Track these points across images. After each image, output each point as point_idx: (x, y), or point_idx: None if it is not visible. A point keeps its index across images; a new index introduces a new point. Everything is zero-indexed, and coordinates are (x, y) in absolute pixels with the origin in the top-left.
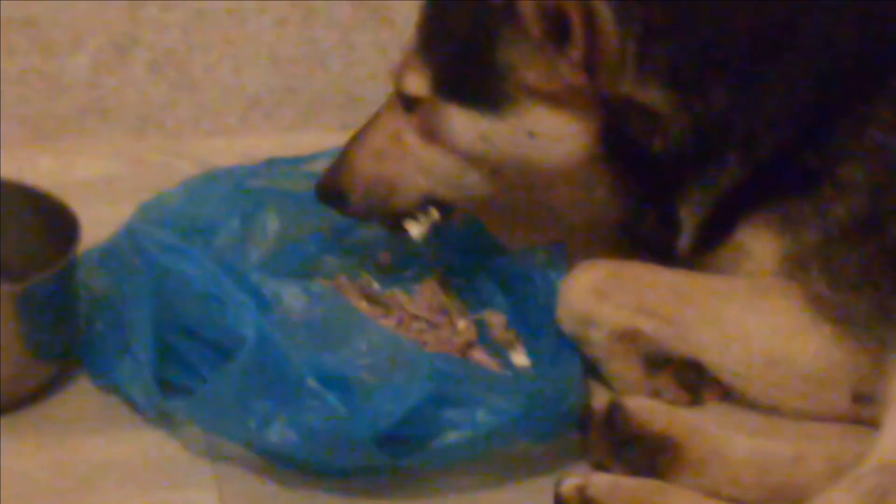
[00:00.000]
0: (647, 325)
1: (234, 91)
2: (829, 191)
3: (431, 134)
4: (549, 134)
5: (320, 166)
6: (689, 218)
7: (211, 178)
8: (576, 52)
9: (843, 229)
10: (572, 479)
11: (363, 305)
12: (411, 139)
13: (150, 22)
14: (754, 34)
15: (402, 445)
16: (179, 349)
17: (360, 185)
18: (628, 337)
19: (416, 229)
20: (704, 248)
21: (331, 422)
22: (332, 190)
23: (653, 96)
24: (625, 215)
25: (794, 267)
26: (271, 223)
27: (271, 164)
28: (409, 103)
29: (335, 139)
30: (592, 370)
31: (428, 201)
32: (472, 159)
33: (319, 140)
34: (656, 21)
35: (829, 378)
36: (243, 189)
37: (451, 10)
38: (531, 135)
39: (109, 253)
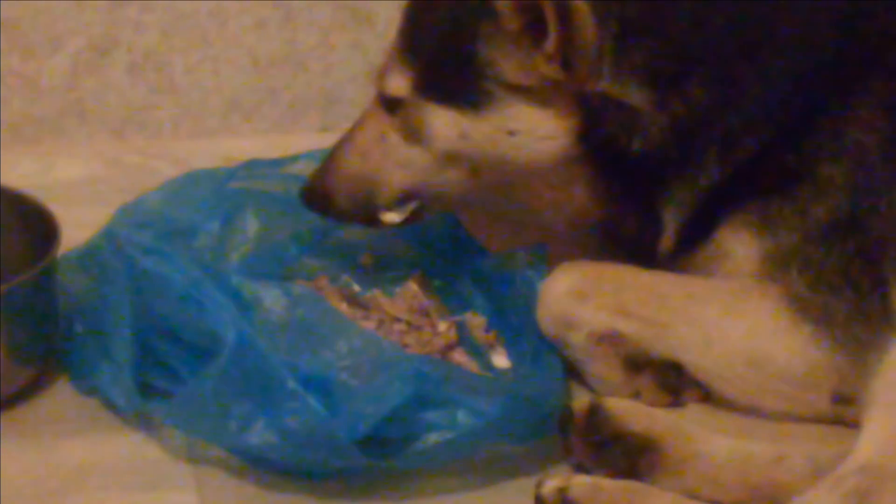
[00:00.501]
0: (626, 327)
1: (214, 93)
2: (808, 191)
3: (413, 133)
4: (528, 131)
5: (301, 168)
6: (671, 219)
7: (191, 180)
8: (549, 44)
9: (823, 229)
10: (553, 480)
11: (343, 307)
12: (394, 139)
13: (130, 23)
14: (732, 33)
15: (383, 447)
16: (159, 351)
17: (344, 184)
18: (608, 338)
19: (391, 217)
20: (685, 250)
21: (311, 423)
22: (316, 193)
23: (631, 94)
24: (606, 216)
25: (774, 267)
26: (251, 225)
27: (251, 165)
28: (391, 104)
29: (315, 141)
30: (573, 371)
31: (408, 198)
32: (453, 157)
33: (300, 142)
34: (633, 19)
35: (809, 378)
36: (224, 191)
37: (431, 10)
38: (510, 132)
39: (89, 255)
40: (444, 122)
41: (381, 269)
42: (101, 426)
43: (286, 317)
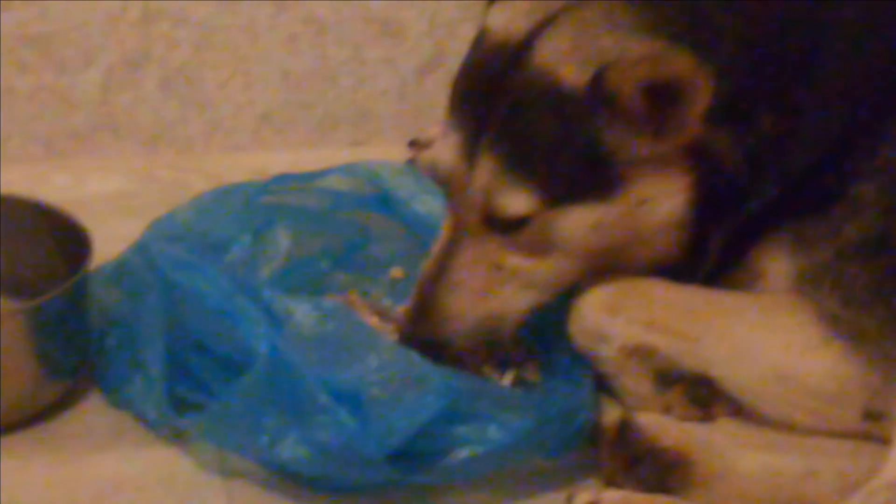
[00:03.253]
0: (658, 341)
1: (245, 107)
2: (841, 209)
3: (541, 246)
4: (657, 196)
5: (332, 182)
6: (715, 242)
7: (223, 195)
8: (697, 109)
9: (855, 247)
10: (583, 494)
11: (374, 321)
12: (511, 257)
13: (162, 39)
14: (786, 64)
15: (414, 462)
16: (191, 365)
17: (462, 328)
18: (639, 353)
19: (506, 379)
20: (721, 270)
21: (342, 438)
22: (427, 340)
23: (715, 136)
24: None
25: (807, 285)
26: (283, 239)
27: (283, 180)
28: (508, 225)
29: (347, 155)
30: (604, 386)
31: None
32: (585, 252)
33: (331, 156)
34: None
35: (840, 394)
36: (255, 205)
37: (528, 115)
38: (641, 203)
39: (122, 269)
40: (578, 221)
41: (412, 284)
42: (133, 439)
43: (317, 331)
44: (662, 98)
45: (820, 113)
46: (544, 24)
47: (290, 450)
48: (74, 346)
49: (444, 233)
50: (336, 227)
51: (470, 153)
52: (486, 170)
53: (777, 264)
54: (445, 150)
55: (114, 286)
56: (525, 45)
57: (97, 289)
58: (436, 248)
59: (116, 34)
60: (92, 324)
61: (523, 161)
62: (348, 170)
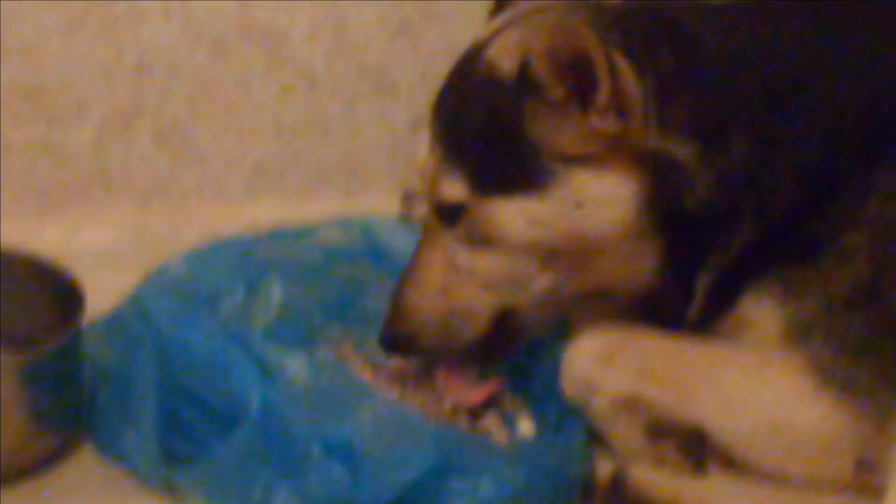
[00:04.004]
0: (649, 392)
1: (238, 160)
2: (831, 259)
3: (481, 237)
4: (595, 200)
5: (325, 235)
6: (701, 284)
7: (216, 247)
8: (602, 95)
9: (845, 297)
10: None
11: (367, 374)
12: (463, 254)
13: (155, 91)
14: (765, 91)
15: None
16: (184, 418)
17: (428, 325)
18: (631, 403)
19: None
20: (708, 318)
21: (334, 491)
22: (398, 338)
23: (679, 150)
24: (659, 287)
25: (797, 334)
26: (276, 292)
27: (276, 232)
28: (450, 215)
29: (340, 207)
30: (596, 438)
31: (499, 320)
32: (527, 249)
33: (324, 208)
34: (670, 74)
35: (833, 445)
36: (248, 258)
37: (466, 104)
38: (578, 205)
39: (115, 322)
40: (511, 214)
41: None
42: (125, 493)
43: (310, 384)
44: (580, 87)
45: (799, 150)
46: (505, 26)
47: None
48: (67, 399)
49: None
50: (329, 281)
51: (431, 148)
52: (433, 161)
53: (767, 313)
54: (418, 154)
55: (107, 339)
56: (483, 44)
57: (90, 342)
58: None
59: (109, 87)
60: (85, 377)
61: (458, 147)
62: (342, 223)
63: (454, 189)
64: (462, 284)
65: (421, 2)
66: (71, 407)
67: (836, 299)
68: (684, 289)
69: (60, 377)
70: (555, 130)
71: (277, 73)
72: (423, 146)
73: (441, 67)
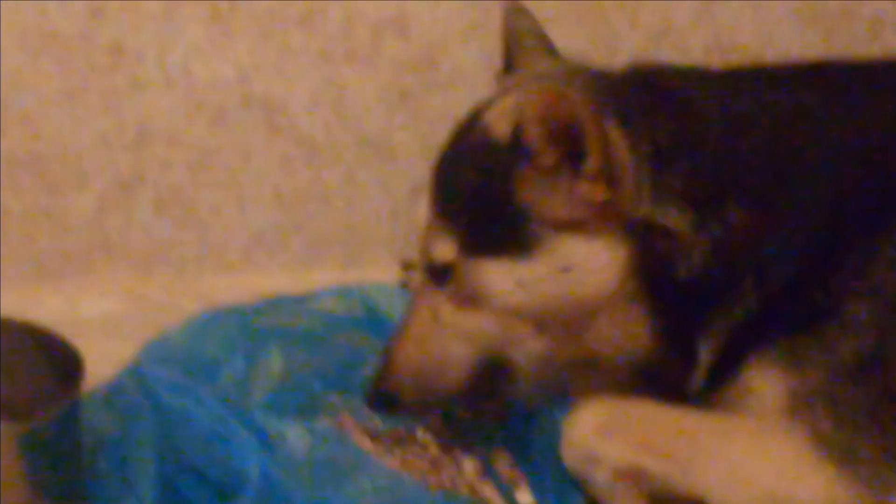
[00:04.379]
0: (650, 464)
1: (238, 229)
2: (834, 329)
3: (469, 298)
4: (582, 265)
5: (325, 304)
6: (705, 353)
7: (215, 317)
8: (592, 163)
9: (848, 369)
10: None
11: (367, 444)
12: (448, 311)
13: (156, 160)
14: (763, 159)
15: None
16: (183, 489)
17: (408, 380)
18: (632, 475)
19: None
20: (712, 387)
21: None
22: (380, 394)
23: (672, 218)
24: (655, 352)
25: (800, 406)
26: (275, 361)
27: (276, 302)
28: (439, 274)
29: (339, 276)
30: None
31: (481, 371)
32: (514, 311)
33: (324, 277)
34: (665, 142)
35: None
36: (248, 327)
37: (459, 168)
38: (564, 269)
39: (114, 391)
40: (498, 276)
41: None
42: None
43: (310, 454)
44: (571, 154)
45: (800, 218)
46: (508, 89)
47: None
48: (67, 469)
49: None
50: (329, 350)
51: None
52: (426, 221)
53: (770, 383)
54: (417, 214)
55: (106, 409)
56: (484, 108)
57: (90, 411)
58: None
59: (110, 156)
60: (84, 446)
61: (450, 207)
62: (341, 292)
63: (444, 249)
64: (441, 337)
65: (420, 72)
66: (70, 476)
67: (839, 370)
68: (685, 356)
69: (60, 447)
70: (544, 195)
71: (277, 143)
72: (422, 208)
73: (440, 137)
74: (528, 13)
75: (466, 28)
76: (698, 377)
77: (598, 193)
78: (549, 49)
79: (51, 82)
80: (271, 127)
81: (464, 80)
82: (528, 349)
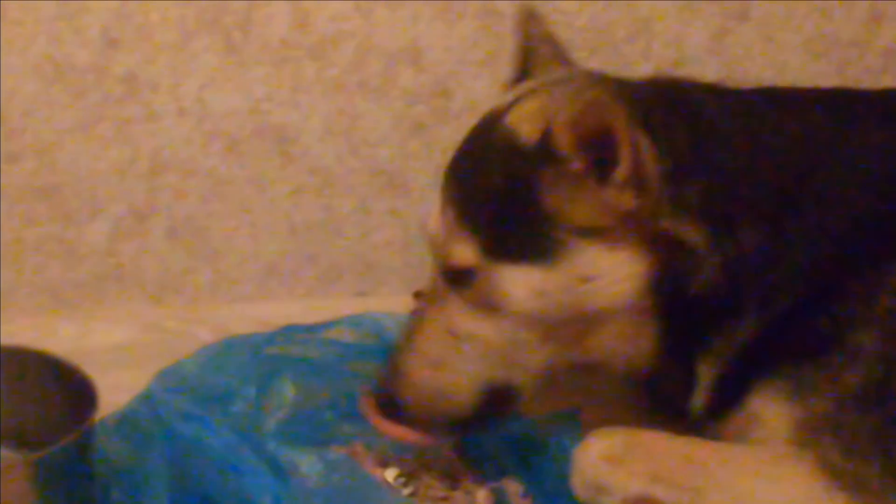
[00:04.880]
0: (660, 493)
1: (251, 258)
2: (840, 358)
3: (486, 304)
4: (602, 275)
5: (337, 333)
6: (705, 372)
7: (228, 346)
8: (623, 171)
9: (855, 397)
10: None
11: (379, 473)
12: (465, 319)
13: (170, 190)
14: (778, 181)
15: None
16: None
17: (415, 396)
18: None
19: None
20: (717, 414)
21: None
22: (387, 401)
23: (690, 232)
24: (655, 366)
25: (807, 434)
26: (288, 391)
27: (288, 331)
28: (459, 278)
29: (352, 306)
30: None
31: (487, 395)
32: (530, 319)
33: (337, 307)
34: (685, 154)
35: None
36: (261, 356)
37: (482, 169)
38: (586, 279)
39: (127, 420)
40: (520, 281)
41: None
42: None
43: (323, 483)
44: (601, 161)
45: (809, 244)
46: (526, 94)
47: None
48: (78, 499)
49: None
50: (341, 379)
51: (443, 212)
52: (445, 222)
53: (776, 411)
54: (427, 216)
55: (119, 437)
56: (502, 111)
57: (102, 440)
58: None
59: (124, 185)
60: (97, 475)
61: (471, 210)
62: (354, 321)
63: (465, 253)
64: (458, 354)
65: (433, 102)
66: None
67: (845, 399)
68: (685, 374)
69: (73, 475)
70: (569, 201)
71: (290, 172)
72: (433, 211)
73: None
74: (542, 20)
75: (480, 58)
76: (697, 397)
77: (626, 201)
78: (564, 58)
79: (65, 112)
80: (284, 156)
81: (477, 110)
82: (531, 361)
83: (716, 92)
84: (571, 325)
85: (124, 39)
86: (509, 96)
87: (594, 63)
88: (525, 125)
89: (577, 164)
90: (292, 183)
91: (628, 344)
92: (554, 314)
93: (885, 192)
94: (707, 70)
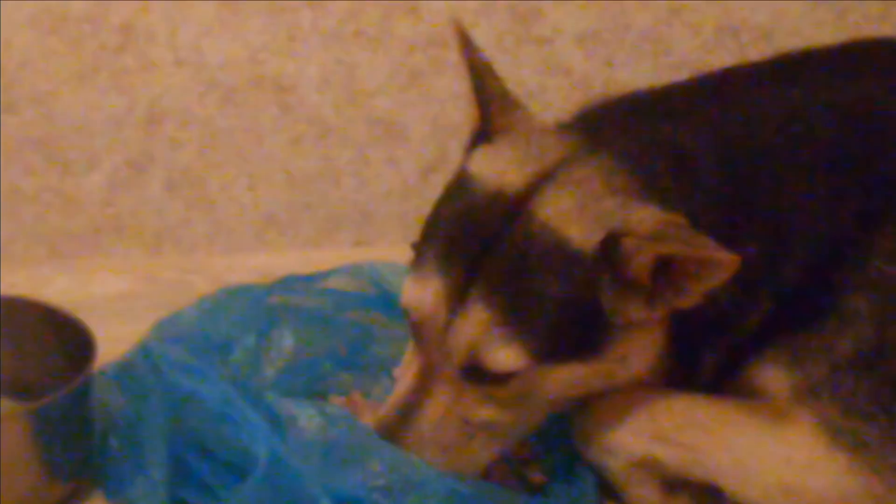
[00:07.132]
0: (663, 453)
1: (249, 208)
2: (834, 323)
3: (520, 400)
4: (636, 352)
5: (336, 283)
6: (709, 362)
7: (226, 296)
8: (696, 291)
9: (851, 360)
10: None
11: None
12: (483, 410)
13: (166, 141)
14: (770, 188)
15: None
16: (194, 468)
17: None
18: (646, 463)
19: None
20: (717, 383)
21: None
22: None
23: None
24: (661, 370)
25: (805, 398)
26: (287, 340)
27: (287, 281)
28: (492, 380)
29: (350, 255)
30: (608, 490)
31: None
32: (554, 403)
33: (334, 257)
34: (690, 209)
35: None
36: (259, 307)
37: (536, 274)
38: (622, 360)
39: (125, 371)
40: (561, 379)
41: None
42: None
43: (320, 435)
44: (672, 271)
45: (805, 233)
46: (542, 179)
47: None
48: (77, 448)
49: (408, 378)
50: (339, 328)
51: (454, 302)
52: (475, 322)
53: (774, 380)
54: (422, 293)
55: (117, 388)
56: (524, 199)
57: (100, 390)
58: (398, 393)
59: (121, 136)
60: (95, 425)
61: (520, 316)
62: (352, 271)
63: (509, 358)
64: (473, 440)
65: (430, 51)
66: (81, 456)
67: (840, 363)
68: (690, 365)
69: (71, 425)
70: (628, 302)
71: (288, 122)
72: (427, 292)
73: (450, 116)
74: (491, 69)
75: (477, 7)
76: (698, 377)
77: (684, 302)
78: (516, 103)
79: (62, 62)
80: (282, 107)
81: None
82: (537, 421)
83: (677, 117)
84: (586, 394)
85: None
86: (511, 171)
87: (591, 13)
88: (573, 228)
89: (643, 277)
90: (290, 133)
91: (636, 370)
92: (578, 395)
93: (874, 160)
94: (705, 19)
